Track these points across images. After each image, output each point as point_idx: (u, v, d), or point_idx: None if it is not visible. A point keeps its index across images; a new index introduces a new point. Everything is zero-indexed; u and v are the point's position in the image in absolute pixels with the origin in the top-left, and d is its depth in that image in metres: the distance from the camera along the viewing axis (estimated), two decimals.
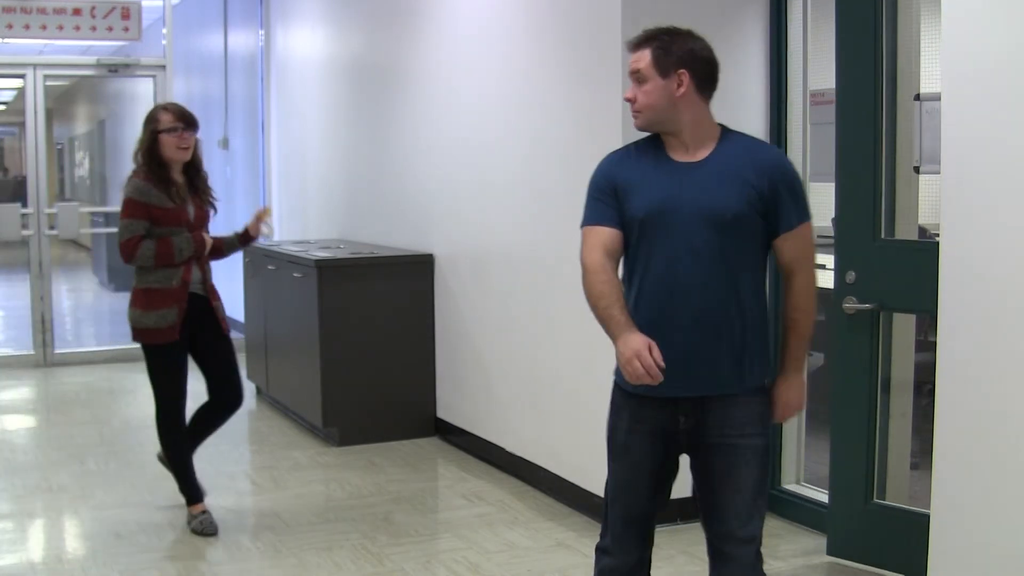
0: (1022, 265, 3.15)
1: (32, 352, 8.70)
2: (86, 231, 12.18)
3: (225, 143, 9.90)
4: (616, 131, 4.54)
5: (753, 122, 4.71)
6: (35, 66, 8.68)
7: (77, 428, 6.66)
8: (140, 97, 11.85)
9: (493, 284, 5.66)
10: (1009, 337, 3.16)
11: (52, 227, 8.74)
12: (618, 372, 2.94)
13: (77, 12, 8.37)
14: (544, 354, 5.20)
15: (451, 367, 6.16)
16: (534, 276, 5.25)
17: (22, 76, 8.76)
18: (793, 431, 4.84)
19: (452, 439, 6.15)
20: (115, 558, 4.46)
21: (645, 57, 2.93)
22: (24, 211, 8.66)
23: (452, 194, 6.03)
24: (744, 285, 2.83)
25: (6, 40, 8.91)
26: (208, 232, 4.78)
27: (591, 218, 2.95)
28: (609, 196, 2.93)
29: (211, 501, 5.06)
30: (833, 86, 4.51)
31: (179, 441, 4.75)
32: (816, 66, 4.66)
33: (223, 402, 4.88)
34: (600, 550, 3.07)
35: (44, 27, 8.33)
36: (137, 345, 4.59)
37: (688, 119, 2.87)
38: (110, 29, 8.48)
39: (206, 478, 5.27)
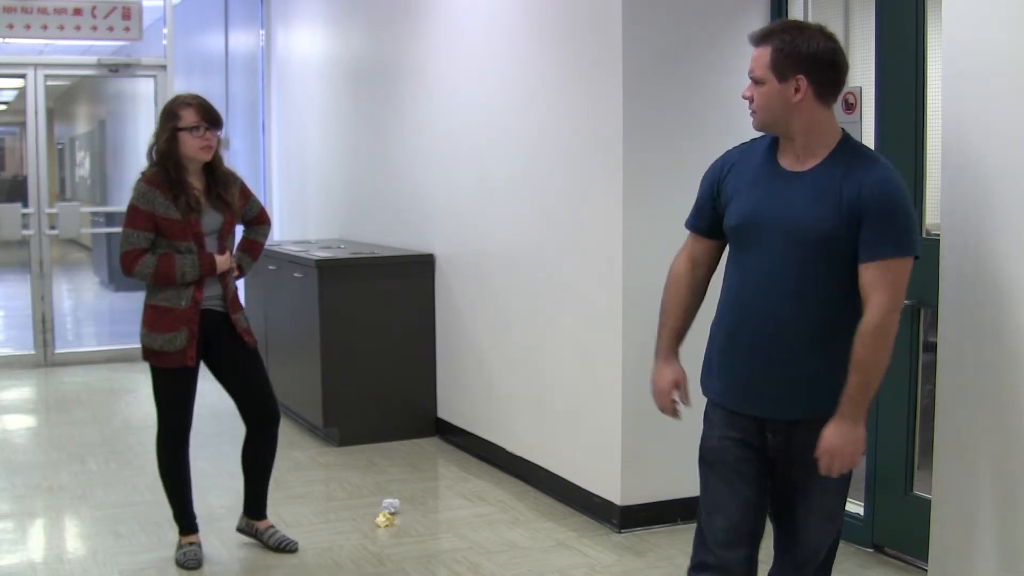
0: (1022, 264, 3.14)
1: (32, 352, 8.70)
2: (87, 231, 12.16)
3: (226, 143, 9.88)
4: (617, 131, 4.54)
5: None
6: (36, 66, 8.68)
7: (77, 428, 6.66)
8: (141, 97, 11.85)
9: (493, 284, 5.66)
10: (1009, 333, 3.16)
11: (53, 227, 8.74)
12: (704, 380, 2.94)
13: (78, 12, 8.37)
14: (544, 354, 5.20)
15: (451, 367, 6.16)
16: (534, 276, 5.24)
17: (23, 76, 8.76)
18: None
19: (452, 439, 6.14)
20: (115, 558, 4.46)
21: (764, 57, 2.71)
22: (25, 211, 8.66)
23: (452, 194, 6.03)
24: (820, 313, 2.66)
25: (7, 40, 8.90)
26: (232, 240, 4.39)
27: (689, 220, 2.96)
28: (710, 200, 2.89)
29: (212, 501, 5.06)
30: None
31: (177, 468, 4.39)
32: None
33: (256, 419, 4.47)
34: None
35: (45, 27, 8.33)
36: (138, 345, 4.37)
37: (802, 126, 2.68)
38: (111, 29, 8.49)
39: (207, 478, 5.28)
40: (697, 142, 4.64)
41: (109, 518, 4.95)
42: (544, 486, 5.22)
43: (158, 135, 4.22)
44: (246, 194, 4.47)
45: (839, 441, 2.66)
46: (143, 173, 4.23)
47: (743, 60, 4.75)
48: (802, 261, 2.63)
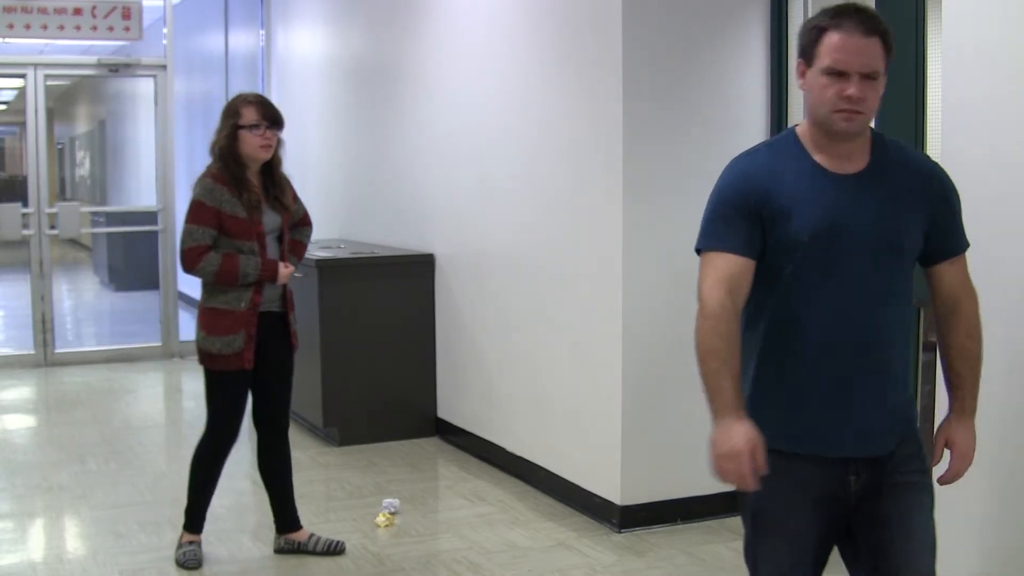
0: (1022, 264, 3.15)
1: (32, 352, 8.70)
2: (87, 231, 12.18)
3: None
4: (617, 130, 4.54)
5: (753, 122, 4.71)
6: (36, 66, 8.68)
7: (77, 428, 6.66)
8: (141, 97, 11.85)
9: (493, 284, 5.66)
10: (1009, 334, 3.16)
11: (53, 227, 8.74)
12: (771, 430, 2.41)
13: (78, 12, 8.37)
14: (544, 354, 5.19)
15: (451, 367, 6.16)
16: (534, 276, 5.24)
17: (23, 76, 8.77)
18: None
19: (452, 439, 6.14)
20: (115, 558, 4.46)
21: (877, 48, 2.34)
22: (25, 211, 8.66)
23: (452, 194, 6.03)
24: (908, 320, 2.48)
25: (7, 40, 8.91)
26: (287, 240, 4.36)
27: (717, 240, 2.43)
28: (748, 214, 2.40)
29: (212, 501, 5.05)
30: None
31: (215, 471, 4.37)
32: None
33: (270, 426, 4.41)
34: None
35: (45, 27, 8.34)
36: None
37: None
38: (111, 29, 8.49)
39: None
40: (697, 142, 4.64)
41: (109, 518, 4.95)
42: (544, 486, 5.22)
43: (219, 132, 4.19)
44: (295, 197, 4.46)
45: (971, 440, 2.51)
46: (208, 169, 4.20)
47: (743, 60, 4.78)
48: (889, 269, 2.40)
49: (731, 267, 2.39)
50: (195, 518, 4.40)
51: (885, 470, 2.43)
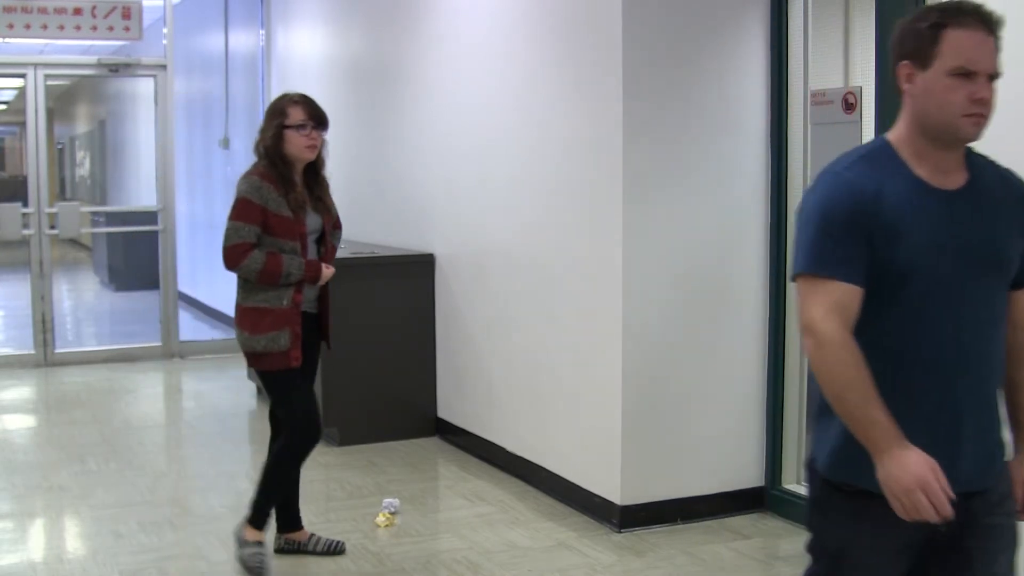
0: None
1: (32, 352, 8.70)
2: (87, 231, 12.19)
3: (226, 143, 9.92)
4: (617, 130, 4.54)
5: (753, 122, 4.71)
6: (36, 66, 8.68)
7: (77, 428, 6.66)
8: (141, 97, 11.86)
9: (493, 284, 5.66)
10: None
11: (53, 227, 8.74)
12: (847, 465, 2.24)
13: (78, 12, 8.37)
14: (544, 354, 5.20)
15: (451, 367, 6.16)
16: (534, 276, 5.25)
17: (23, 76, 8.77)
18: (794, 430, 4.84)
19: (452, 439, 6.14)
20: (115, 558, 4.46)
21: (993, 46, 2.17)
22: (25, 211, 8.66)
23: (452, 194, 6.03)
24: (1003, 346, 2.28)
25: (7, 40, 8.91)
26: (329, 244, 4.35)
27: (825, 266, 2.17)
28: (858, 234, 2.16)
29: (212, 501, 5.06)
30: (833, 86, 4.52)
31: (293, 472, 4.32)
32: (816, 66, 4.66)
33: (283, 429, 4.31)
34: None
35: (45, 27, 8.33)
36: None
37: None
38: (111, 29, 8.49)
39: (206, 478, 5.28)
40: (697, 142, 4.65)
41: (109, 518, 4.95)
42: (544, 486, 5.22)
43: (264, 132, 4.16)
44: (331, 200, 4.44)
45: None
46: (254, 167, 4.16)
47: (741, 59, 4.78)
48: (995, 293, 2.24)
49: (842, 296, 2.16)
50: (263, 515, 4.28)
51: (977, 509, 2.24)
